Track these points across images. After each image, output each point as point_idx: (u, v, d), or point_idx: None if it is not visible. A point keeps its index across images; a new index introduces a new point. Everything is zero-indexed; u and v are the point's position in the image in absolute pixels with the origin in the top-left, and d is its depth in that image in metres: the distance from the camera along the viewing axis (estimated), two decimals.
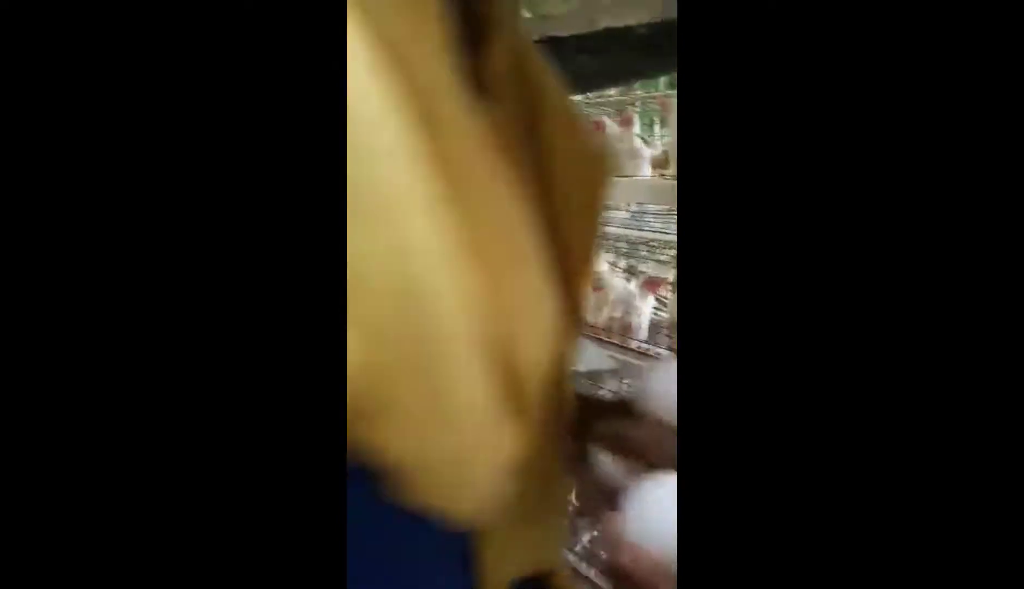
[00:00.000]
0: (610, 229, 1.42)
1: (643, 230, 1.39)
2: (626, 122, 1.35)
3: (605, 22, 1.30)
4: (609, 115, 1.41)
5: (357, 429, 0.34)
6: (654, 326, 1.32)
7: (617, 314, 1.26)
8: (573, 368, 0.50)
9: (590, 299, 1.26)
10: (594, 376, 0.84)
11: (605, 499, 0.45)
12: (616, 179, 1.33)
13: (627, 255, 1.43)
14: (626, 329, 1.25)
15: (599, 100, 1.55)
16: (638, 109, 1.42)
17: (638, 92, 1.51)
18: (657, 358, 1.26)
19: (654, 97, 1.49)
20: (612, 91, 1.47)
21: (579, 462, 0.50)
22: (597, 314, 1.28)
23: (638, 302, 1.28)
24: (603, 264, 1.32)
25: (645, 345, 1.29)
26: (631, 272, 1.41)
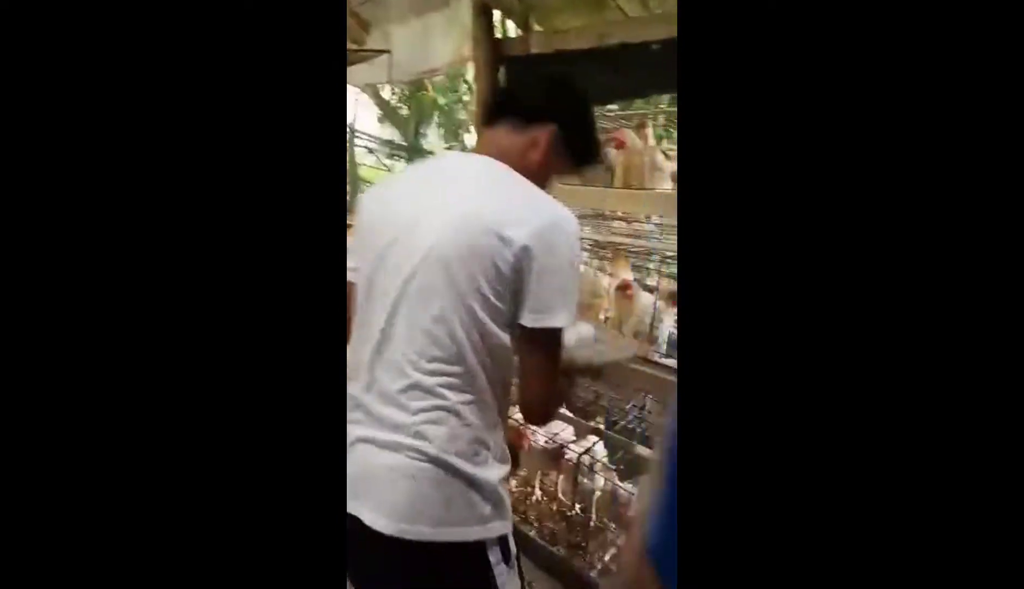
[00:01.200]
0: (634, 241, 1.42)
1: (663, 242, 1.39)
2: (646, 135, 1.36)
3: (617, 38, 1.32)
4: (630, 129, 1.42)
5: None
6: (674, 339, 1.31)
7: (644, 327, 1.26)
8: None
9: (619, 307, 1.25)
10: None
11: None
12: (639, 191, 1.35)
13: (642, 268, 1.43)
14: (651, 341, 1.24)
15: (619, 114, 1.56)
16: (658, 122, 1.42)
17: (659, 106, 1.52)
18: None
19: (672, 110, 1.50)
20: (618, 106, 1.48)
21: None
22: (623, 325, 1.28)
23: (660, 314, 1.27)
24: (629, 274, 1.33)
25: (668, 360, 1.28)
26: (648, 285, 1.41)
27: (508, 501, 0.75)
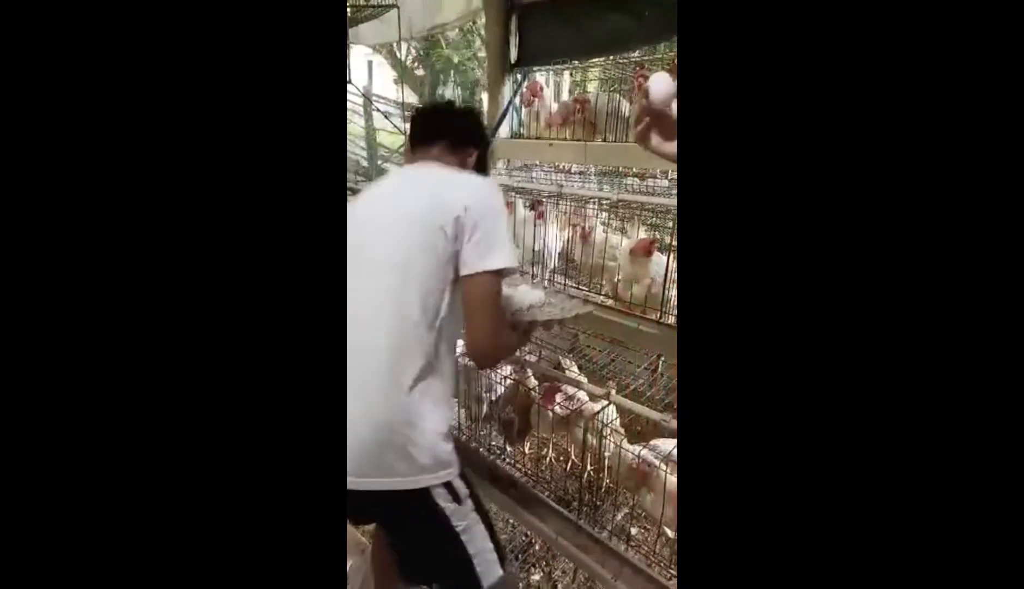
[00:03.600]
0: (646, 199, 1.36)
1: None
2: (673, 76, 1.26)
3: None
4: (655, 72, 1.33)
5: None
6: None
7: (656, 288, 1.21)
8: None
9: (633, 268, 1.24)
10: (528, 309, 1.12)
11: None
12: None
13: (660, 227, 1.37)
14: (664, 302, 1.20)
15: (637, 61, 1.47)
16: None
17: (673, 52, 1.42)
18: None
19: None
20: (641, 52, 1.39)
21: None
22: (634, 286, 1.24)
23: (674, 275, 1.22)
24: (641, 232, 1.28)
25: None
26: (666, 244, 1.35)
27: (448, 451, 0.94)
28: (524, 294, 1.15)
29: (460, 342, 1.02)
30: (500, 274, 0.92)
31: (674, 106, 0.65)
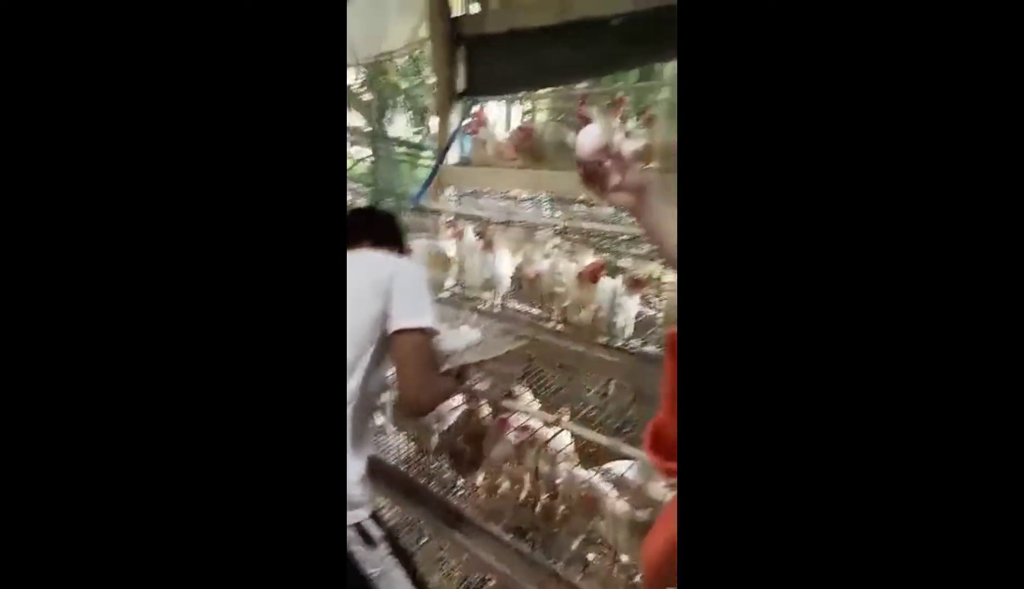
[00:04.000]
0: (592, 225, 1.39)
1: (624, 224, 1.36)
2: (612, 116, 1.31)
3: (578, 13, 1.26)
4: (595, 107, 1.37)
5: None
6: (640, 325, 1.29)
7: (603, 313, 1.23)
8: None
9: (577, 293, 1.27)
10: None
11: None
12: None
13: (608, 250, 1.40)
14: (610, 327, 1.22)
15: (581, 93, 1.52)
16: (626, 102, 1.37)
17: (619, 84, 1.47)
18: (644, 356, 1.24)
19: (633, 89, 1.45)
20: (588, 84, 1.44)
21: None
22: (582, 311, 1.25)
23: (623, 300, 1.25)
24: (587, 259, 1.29)
25: (633, 343, 1.26)
26: (619, 268, 1.39)
27: (358, 493, 0.98)
28: (461, 335, 1.24)
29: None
30: (425, 331, 1.04)
31: (609, 157, 0.65)
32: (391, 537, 0.97)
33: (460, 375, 1.18)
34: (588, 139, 0.65)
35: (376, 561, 0.93)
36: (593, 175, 0.65)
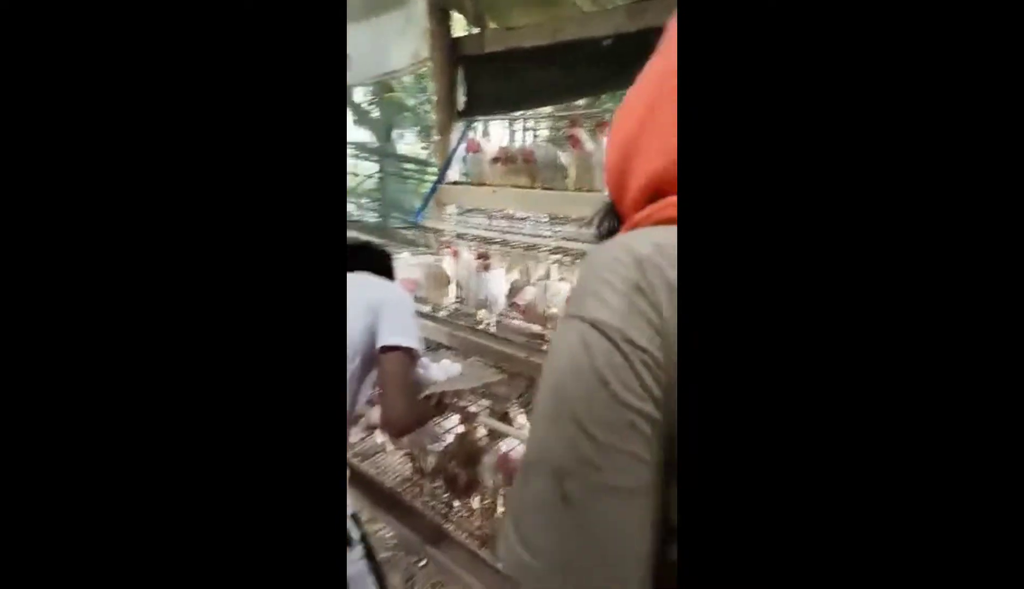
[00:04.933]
0: (586, 246, 1.37)
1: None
2: (600, 136, 1.30)
3: (570, 34, 1.26)
4: (585, 128, 1.37)
5: None
6: None
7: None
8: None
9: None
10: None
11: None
12: (588, 193, 1.30)
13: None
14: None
15: (572, 113, 1.52)
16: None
17: (609, 105, 1.47)
18: None
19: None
20: (581, 103, 1.43)
21: None
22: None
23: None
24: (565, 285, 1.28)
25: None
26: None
27: None
28: (443, 368, 1.31)
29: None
30: (410, 353, 1.08)
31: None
32: (366, 543, 1.03)
33: (439, 404, 1.25)
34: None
35: (352, 560, 0.98)
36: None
